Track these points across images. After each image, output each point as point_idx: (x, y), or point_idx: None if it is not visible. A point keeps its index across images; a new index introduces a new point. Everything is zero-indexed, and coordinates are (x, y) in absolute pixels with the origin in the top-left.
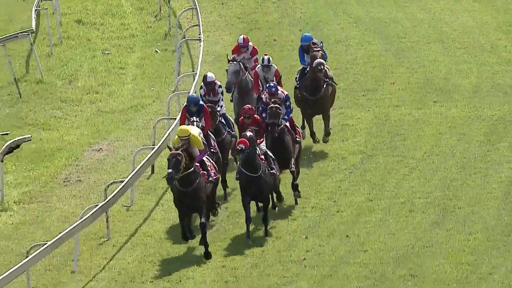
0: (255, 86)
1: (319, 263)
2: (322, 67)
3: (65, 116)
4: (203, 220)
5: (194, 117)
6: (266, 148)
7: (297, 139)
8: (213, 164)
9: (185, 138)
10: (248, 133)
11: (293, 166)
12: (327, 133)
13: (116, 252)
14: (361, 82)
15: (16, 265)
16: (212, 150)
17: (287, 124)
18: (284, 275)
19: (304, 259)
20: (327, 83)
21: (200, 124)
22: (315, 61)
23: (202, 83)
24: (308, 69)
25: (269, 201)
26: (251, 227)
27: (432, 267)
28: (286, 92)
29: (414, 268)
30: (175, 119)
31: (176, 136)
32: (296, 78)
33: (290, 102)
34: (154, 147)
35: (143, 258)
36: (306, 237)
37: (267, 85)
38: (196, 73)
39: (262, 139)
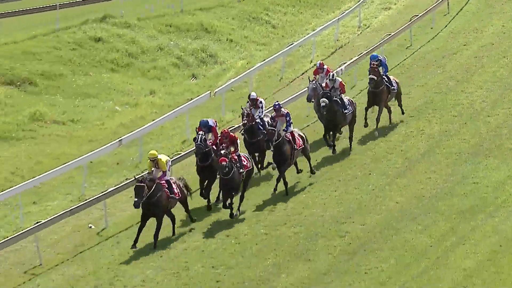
0: (342, 88)
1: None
2: (372, 80)
3: None
4: (158, 226)
5: (201, 132)
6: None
7: (295, 147)
8: (178, 186)
9: (153, 159)
10: (222, 151)
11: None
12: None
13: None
14: None
15: None
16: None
17: (288, 135)
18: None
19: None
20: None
21: (208, 137)
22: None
23: (248, 99)
24: None
25: (237, 191)
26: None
27: None
28: (287, 111)
29: None
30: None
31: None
32: None
33: (290, 118)
34: None
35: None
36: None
37: (274, 103)
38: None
39: (236, 150)
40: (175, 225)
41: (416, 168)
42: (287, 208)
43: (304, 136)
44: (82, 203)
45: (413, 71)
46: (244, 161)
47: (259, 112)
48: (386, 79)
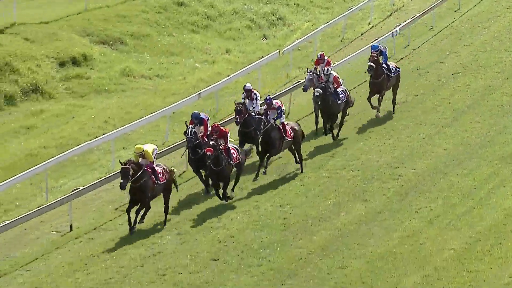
0: (336, 82)
1: None
2: (371, 67)
3: None
4: (141, 213)
5: (191, 126)
6: (260, 140)
7: (285, 138)
8: (165, 170)
9: (140, 153)
10: (211, 142)
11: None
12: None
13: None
14: None
15: None
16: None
17: (279, 126)
18: None
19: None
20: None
21: (199, 130)
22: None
23: (243, 90)
24: None
25: (228, 183)
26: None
27: None
28: (280, 104)
29: None
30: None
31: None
32: None
33: (282, 111)
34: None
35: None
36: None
37: (266, 97)
38: None
39: (226, 143)
40: None
41: (462, 118)
42: (346, 154)
43: (298, 129)
44: (166, 148)
45: (461, 32)
46: (234, 154)
47: (254, 104)
48: (385, 67)
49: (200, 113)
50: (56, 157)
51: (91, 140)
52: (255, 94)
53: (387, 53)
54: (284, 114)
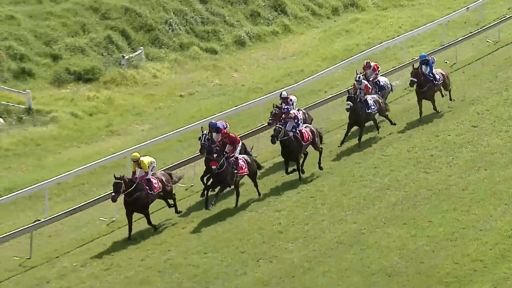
0: (366, 90)
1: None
2: (412, 82)
3: None
4: (148, 220)
5: (205, 132)
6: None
7: (303, 144)
8: (159, 181)
9: (135, 160)
10: (214, 155)
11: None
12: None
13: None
14: None
15: None
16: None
17: (297, 135)
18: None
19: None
20: (432, 82)
21: (217, 138)
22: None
23: (280, 97)
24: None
25: (224, 187)
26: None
27: None
28: (296, 113)
29: None
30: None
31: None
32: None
33: (298, 120)
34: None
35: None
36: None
37: (284, 107)
38: None
39: (233, 152)
40: None
41: None
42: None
43: (315, 131)
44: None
45: None
46: (243, 166)
47: (292, 106)
48: (431, 76)
49: (218, 122)
50: None
51: (387, 40)
52: (291, 100)
53: (433, 64)
54: (301, 122)
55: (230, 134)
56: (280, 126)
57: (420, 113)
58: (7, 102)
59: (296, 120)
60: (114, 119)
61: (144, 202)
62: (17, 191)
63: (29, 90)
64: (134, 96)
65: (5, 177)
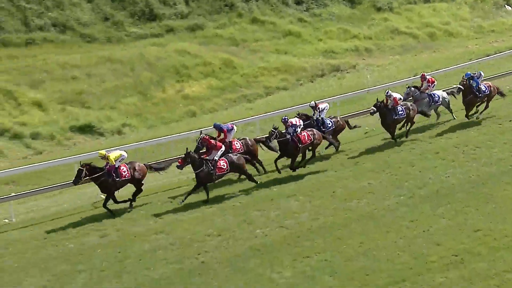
0: (395, 102)
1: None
2: (459, 89)
3: None
4: (107, 198)
5: (203, 133)
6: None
7: (299, 146)
8: (128, 169)
9: (102, 157)
10: (192, 154)
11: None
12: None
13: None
14: None
15: None
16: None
17: (294, 138)
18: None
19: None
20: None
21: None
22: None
23: (309, 105)
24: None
25: (197, 187)
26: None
27: None
28: (295, 122)
29: None
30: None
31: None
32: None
33: (295, 127)
34: None
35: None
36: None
37: (282, 118)
38: None
39: (208, 154)
40: None
41: None
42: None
43: (315, 133)
44: None
45: None
46: (224, 166)
47: (320, 113)
48: (475, 89)
49: (222, 125)
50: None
51: None
52: (318, 108)
53: (479, 79)
54: (299, 128)
55: (210, 140)
56: (274, 130)
57: (467, 115)
58: None
59: (294, 128)
60: None
61: (110, 187)
62: None
63: None
64: None
65: None
